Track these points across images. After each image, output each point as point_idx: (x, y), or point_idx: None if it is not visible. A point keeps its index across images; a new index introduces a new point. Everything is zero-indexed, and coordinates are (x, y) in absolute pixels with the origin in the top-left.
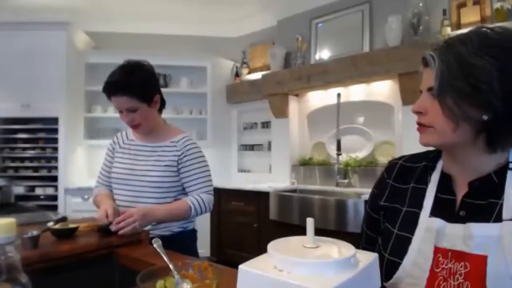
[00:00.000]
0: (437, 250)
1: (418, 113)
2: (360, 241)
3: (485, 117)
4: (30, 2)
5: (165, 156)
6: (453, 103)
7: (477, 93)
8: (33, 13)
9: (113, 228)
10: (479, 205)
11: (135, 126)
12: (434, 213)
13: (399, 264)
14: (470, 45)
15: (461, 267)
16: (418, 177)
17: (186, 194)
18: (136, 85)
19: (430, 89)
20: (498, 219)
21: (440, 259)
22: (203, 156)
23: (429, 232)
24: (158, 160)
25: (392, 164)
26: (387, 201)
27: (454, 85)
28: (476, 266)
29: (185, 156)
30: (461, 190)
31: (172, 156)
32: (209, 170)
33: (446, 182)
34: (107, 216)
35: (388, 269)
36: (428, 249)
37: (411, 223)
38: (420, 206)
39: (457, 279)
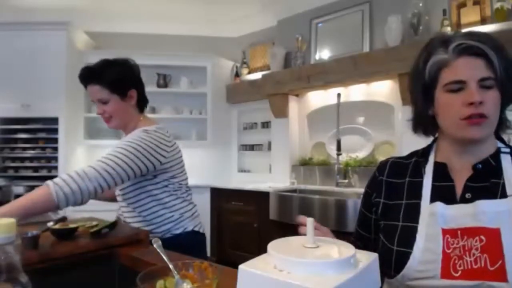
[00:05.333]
0: (444, 232)
1: (479, 103)
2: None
3: None
4: (30, 2)
5: None
6: None
7: None
8: (33, 13)
9: None
10: (483, 186)
11: (106, 119)
12: (433, 200)
13: (410, 253)
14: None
15: (476, 241)
16: (412, 172)
17: (165, 186)
18: (108, 76)
19: (482, 80)
20: (504, 195)
21: (449, 239)
22: (135, 142)
23: (433, 216)
24: None
25: (383, 163)
26: (387, 198)
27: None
28: (491, 238)
29: None
30: (458, 175)
31: None
32: (123, 153)
33: (441, 170)
34: None
35: (398, 260)
36: (436, 232)
37: (414, 213)
38: (419, 197)
39: (473, 254)
